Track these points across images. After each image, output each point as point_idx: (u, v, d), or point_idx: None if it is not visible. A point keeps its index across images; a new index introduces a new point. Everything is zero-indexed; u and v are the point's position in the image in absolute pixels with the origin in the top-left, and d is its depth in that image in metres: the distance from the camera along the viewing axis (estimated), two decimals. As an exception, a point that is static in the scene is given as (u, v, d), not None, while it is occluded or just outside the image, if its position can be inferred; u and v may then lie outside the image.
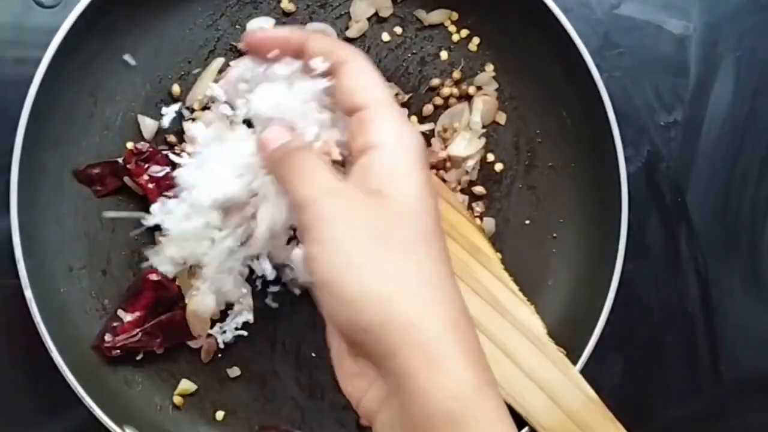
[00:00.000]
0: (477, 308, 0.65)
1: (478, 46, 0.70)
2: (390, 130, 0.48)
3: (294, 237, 0.64)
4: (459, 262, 0.66)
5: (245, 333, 0.66)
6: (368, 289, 0.43)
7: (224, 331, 0.66)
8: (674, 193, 0.74)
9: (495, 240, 0.70)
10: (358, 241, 0.44)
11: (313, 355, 0.68)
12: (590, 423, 0.62)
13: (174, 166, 0.65)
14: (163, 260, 0.66)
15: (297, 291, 0.67)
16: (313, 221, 0.46)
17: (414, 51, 0.70)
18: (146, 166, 0.66)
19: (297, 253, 0.52)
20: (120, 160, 0.66)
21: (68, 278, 0.66)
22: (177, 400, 0.67)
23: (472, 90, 0.70)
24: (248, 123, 0.58)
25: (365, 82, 0.50)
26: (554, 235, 0.70)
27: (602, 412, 0.62)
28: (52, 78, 0.62)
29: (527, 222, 0.70)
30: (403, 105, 0.69)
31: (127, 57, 0.67)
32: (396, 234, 0.45)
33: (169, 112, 0.67)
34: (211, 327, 0.67)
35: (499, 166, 0.70)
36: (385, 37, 0.70)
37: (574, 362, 0.64)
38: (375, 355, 0.44)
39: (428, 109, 0.70)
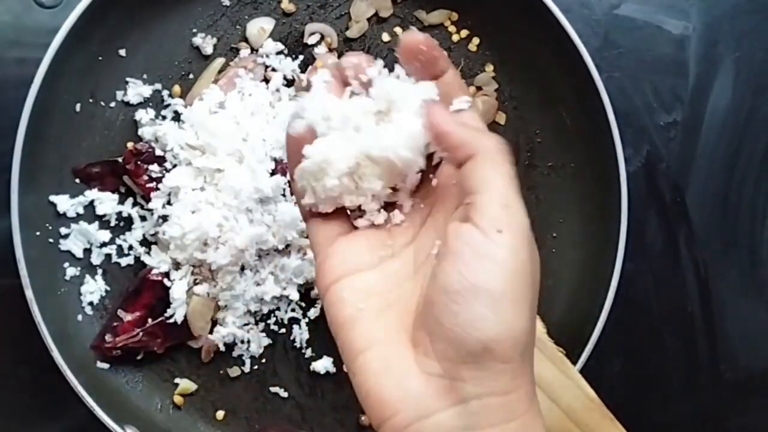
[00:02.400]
0: None
1: (478, 46, 0.70)
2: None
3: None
4: None
5: (246, 335, 0.67)
6: None
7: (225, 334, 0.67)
8: (674, 193, 0.74)
9: (495, 240, 0.70)
10: None
11: (314, 354, 0.68)
12: (590, 423, 0.62)
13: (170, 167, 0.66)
14: (162, 260, 0.66)
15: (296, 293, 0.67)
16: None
17: (414, 51, 0.70)
18: (146, 166, 0.66)
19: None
20: (120, 159, 0.66)
21: (68, 279, 0.66)
22: (177, 399, 0.67)
23: (472, 90, 0.70)
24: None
25: (487, 178, 0.43)
26: (554, 235, 0.70)
27: (602, 412, 0.62)
28: (52, 78, 0.62)
29: (527, 222, 0.70)
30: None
31: (127, 57, 0.67)
32: None
33: (168, 113, 0.68)
34: (212, 328, 0.67)
35: (499, 166, 0.70)
36: (385, 37, 0.70)
37: (574, 362, 0.64)
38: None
39: (428, 109, 0.70)
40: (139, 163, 0.65)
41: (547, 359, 0.63)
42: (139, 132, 0.67)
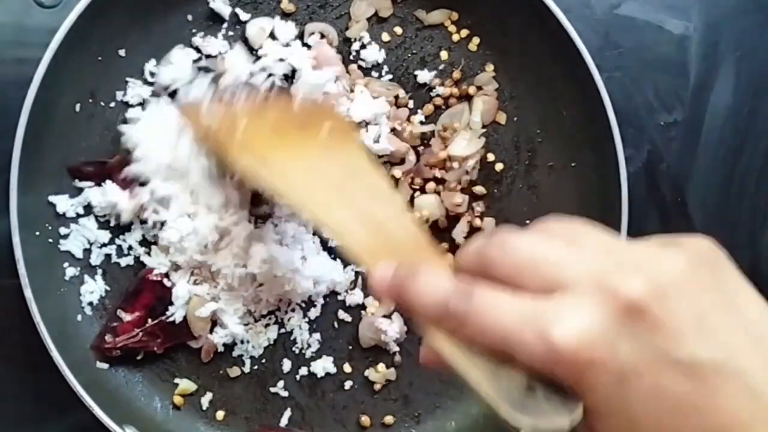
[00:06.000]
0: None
1: (478, 46, 0.70)
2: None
3: None
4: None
5: (245, 334, 0.67)
6: None
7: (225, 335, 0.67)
8: (674, 193, 0.74)
9: (495, 240, 0.70)
10: None
11: (314, 354, 0.68)
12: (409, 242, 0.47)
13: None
14: (161, 261, 0.66)
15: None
16: None
17: (414, 51, 0.70)
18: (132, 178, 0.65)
19: None
20: (110, 160, 0.66)
21: (68, 279, 0.66)
22: (177, 400, 0.67)
23: (472, 90, 0.70)
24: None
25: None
26: (554, 235, 0.70)
27: (427, 240, 0.48)
28: (52, 78, 0.62)
29: (527, 222, 0.70)
30: (403, 105, 0.69)
31: (126, 57, 0.67)
32: None
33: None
34: (212, 328, 0.67)
35: (499, 166, 0.70)
36: (385, 37, 0.70)
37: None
38: None
39: (428, 109, 0.70)
40: (126, 178, 0.65)
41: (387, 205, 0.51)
42: (122, 140, 0.65)
